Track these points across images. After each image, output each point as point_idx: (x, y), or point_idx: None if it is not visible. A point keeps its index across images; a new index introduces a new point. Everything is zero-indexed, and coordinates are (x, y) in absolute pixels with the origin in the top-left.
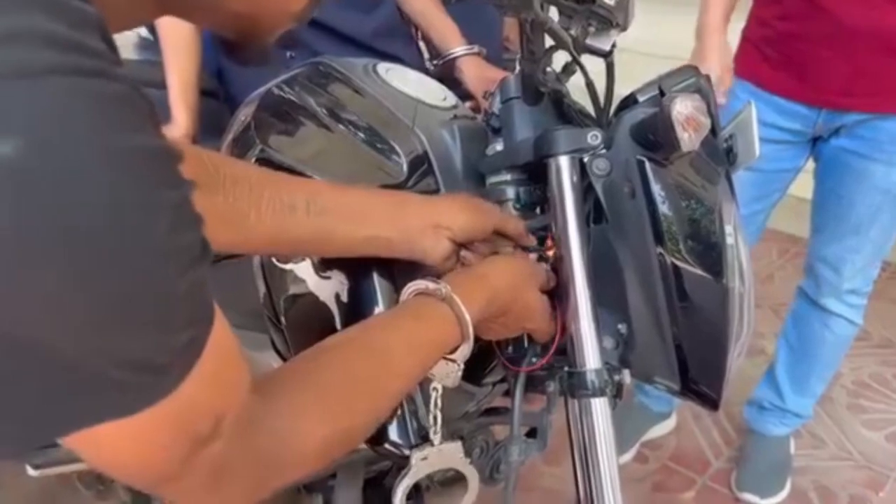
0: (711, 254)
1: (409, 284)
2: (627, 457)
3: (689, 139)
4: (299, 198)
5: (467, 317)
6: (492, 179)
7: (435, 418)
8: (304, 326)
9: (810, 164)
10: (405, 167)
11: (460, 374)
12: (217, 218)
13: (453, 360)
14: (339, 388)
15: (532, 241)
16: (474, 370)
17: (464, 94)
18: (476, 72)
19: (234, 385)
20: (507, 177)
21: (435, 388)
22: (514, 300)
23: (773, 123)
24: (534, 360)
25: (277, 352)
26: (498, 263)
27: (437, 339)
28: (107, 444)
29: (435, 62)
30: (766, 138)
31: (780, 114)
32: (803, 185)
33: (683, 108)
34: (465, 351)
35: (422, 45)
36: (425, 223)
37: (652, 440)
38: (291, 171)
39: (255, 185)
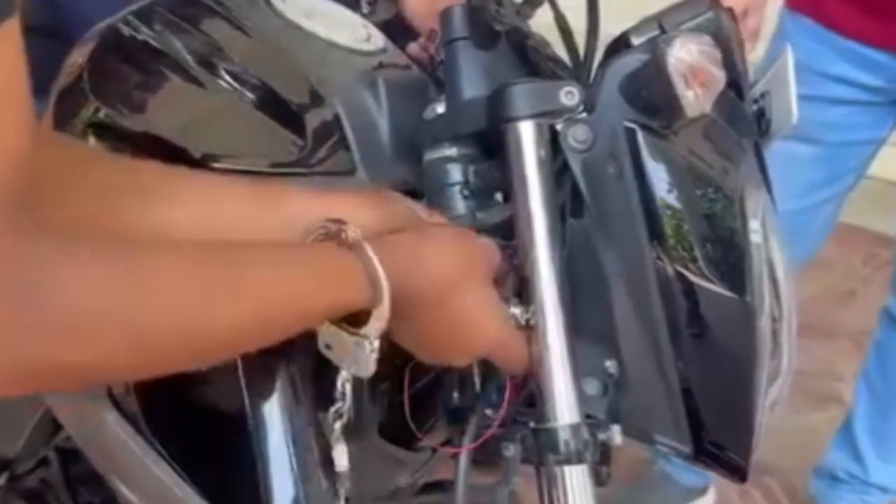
0: (729, 260)
1: (308, 228)
2: None
3: (693, 99)
4: (140, 178)
5: (380, 270)
6: (431, 154)
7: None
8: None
9: None
10: (308, 139)
11: (375, 356)
12: None
13: (363, 336)
14: (160, 261)
15: None
16: (407, 427)
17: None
18: (421, 0)
19: (12, 134)
20: (452, 151)
21: (347, 381)
22: (454, 289)
23: (843, 77)
24: (488, 412)
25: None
26: (435, 233)
27: (329, 281)
28: None
29: None
30: (835, 98)
31: (854, 64)
32: (893, 164)
33: (684, 53)
34: (379, 320)
35: None
36: (311, 220)
37: None
38: (139, 143)
39: (63, 152)
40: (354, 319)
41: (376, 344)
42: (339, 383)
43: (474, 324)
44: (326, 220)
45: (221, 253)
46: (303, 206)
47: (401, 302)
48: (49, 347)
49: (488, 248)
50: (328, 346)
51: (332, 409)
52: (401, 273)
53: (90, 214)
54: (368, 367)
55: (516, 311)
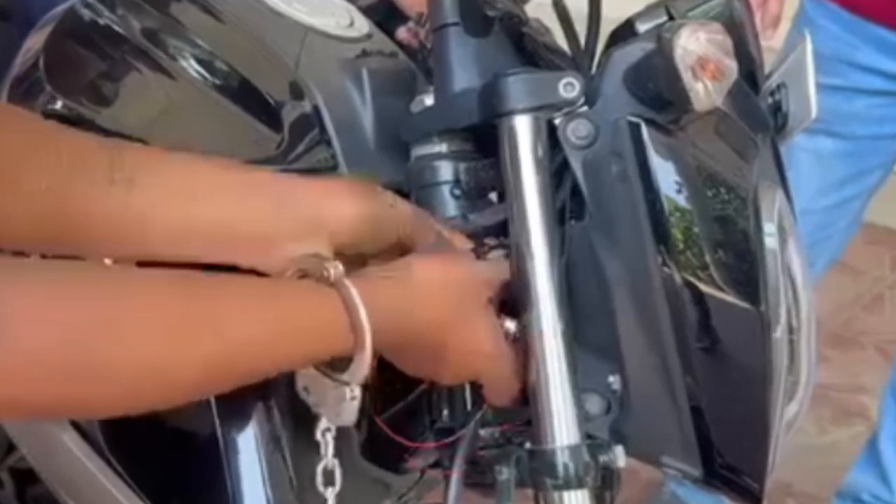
0: (742, 267)
1: (287, 260)
2: None
3: (703, 92)
4: (97, 157)
5: (363, 314)
6: (419, 150)
7: None
8: None
9: None
10: (285, 133)
11: (357, 404)
12: None
13: (344, 382)
14: (126, 292)
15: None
16: (391, 447)
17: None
18: None
19: None
20: (442, 146)
21: (328, 430)
22: (451, 327)
23: (870, 66)
24: (480, 431)
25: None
26: (427, 262)
27: (308, 324)
28: None
29: None
30: (861, 89)
31: (882, 52)
32: None
33: (692, 43)
34: (360, 367)
35: None
36: (292, 213)
37: None
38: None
39: (27, 132)
40: (336, 362)
41: (357, 392)
42: (318, 434)
43: (470, 355)
44: (309, 255)
45: (194, 287)
46: (286, 193)
47: (389, 342)
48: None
49: (486, 273)
50: (306, 390)
51: (319, 469)
52: (388, 313)
53: (56, 196)
54: (350, 416)
55: (510, 325)
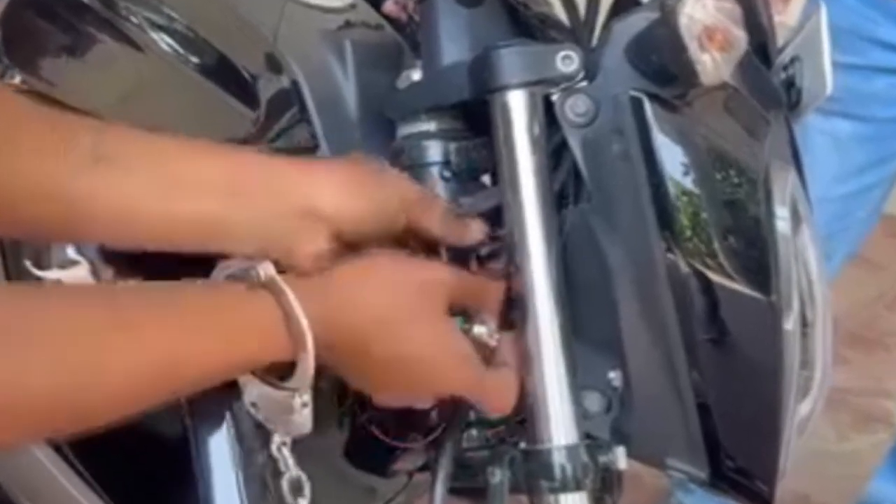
0: (752, 253)
1: (219, 266)
2: None
3: (710, 64)
4: (80, 138)
5: (299, 312)
6: (406, 129)
7: None
8: None
9: None
10: (262, 111)
11: (310, 411)
12: None
13: (289, 389)
14: (36, 308)
15: (476, 234)
16: (377, 451)
17: None
18: None
19: None
20: (430, 125)
21: (283, 445)
22: (400, 327)
23: (892, 43)
24: (472, 431)
25: None
26: (374, 264)
27: (241, 331)
28: None
29: None
30: (882, 67)
31: None
32: None
33: (698, 11)
34: (305, 371)
35: None
36: (289, 204)
37: None
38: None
39: (4, 111)
40: (283, 373)
41: (308, 398)
42: (273, 450)
43: (430, 363)
44: (238, 259)
45: (109, 300)
46: (277, 179)
47: (337, 344)
48: None
49: (440, 274)
50: (254, 405)
51: (285, 482)
52: (325, 310)
53: (21, 174)
54: (303, 424)
55: (481, 330)
